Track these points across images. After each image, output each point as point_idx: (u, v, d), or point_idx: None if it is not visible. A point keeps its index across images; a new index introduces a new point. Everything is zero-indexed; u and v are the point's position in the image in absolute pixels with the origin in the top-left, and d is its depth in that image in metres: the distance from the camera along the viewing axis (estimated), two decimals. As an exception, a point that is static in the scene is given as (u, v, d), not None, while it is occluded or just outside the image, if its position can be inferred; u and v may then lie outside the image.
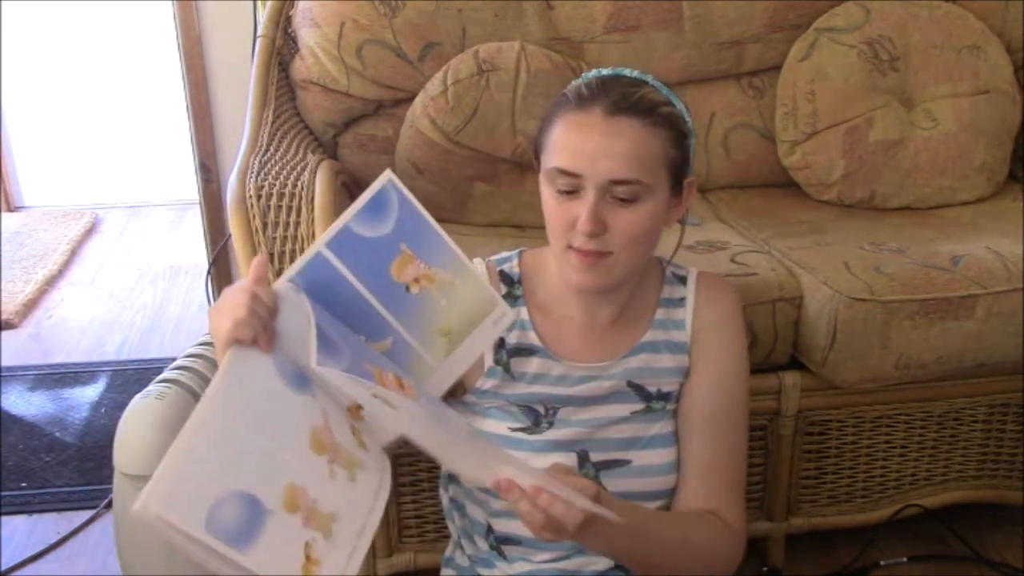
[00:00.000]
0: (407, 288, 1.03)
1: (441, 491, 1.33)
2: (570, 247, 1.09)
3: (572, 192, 1.07)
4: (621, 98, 1.06)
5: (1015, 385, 1.74)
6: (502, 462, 0.95)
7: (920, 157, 1.97)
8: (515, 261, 1.22)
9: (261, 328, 0.87)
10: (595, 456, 1.16)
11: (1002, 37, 2.08)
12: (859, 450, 1.76)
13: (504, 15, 1.94)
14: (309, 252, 0.97)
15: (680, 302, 1.20)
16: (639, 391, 1.18)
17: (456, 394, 1.21)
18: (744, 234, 1.85)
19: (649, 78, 1.10)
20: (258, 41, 1.96)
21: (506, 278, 1.20)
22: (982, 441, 1.81)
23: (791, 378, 1.65)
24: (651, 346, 1.18)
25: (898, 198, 1.98)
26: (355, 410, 0.95)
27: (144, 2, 3.78)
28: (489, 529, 1.22)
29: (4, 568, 1.85)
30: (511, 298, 1.19)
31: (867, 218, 1.92)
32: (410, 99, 1.90)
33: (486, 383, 1.18)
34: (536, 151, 1.14)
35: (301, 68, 1.94)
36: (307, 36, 1.91)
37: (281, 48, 1.97)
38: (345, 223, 0.97)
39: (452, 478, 1.27)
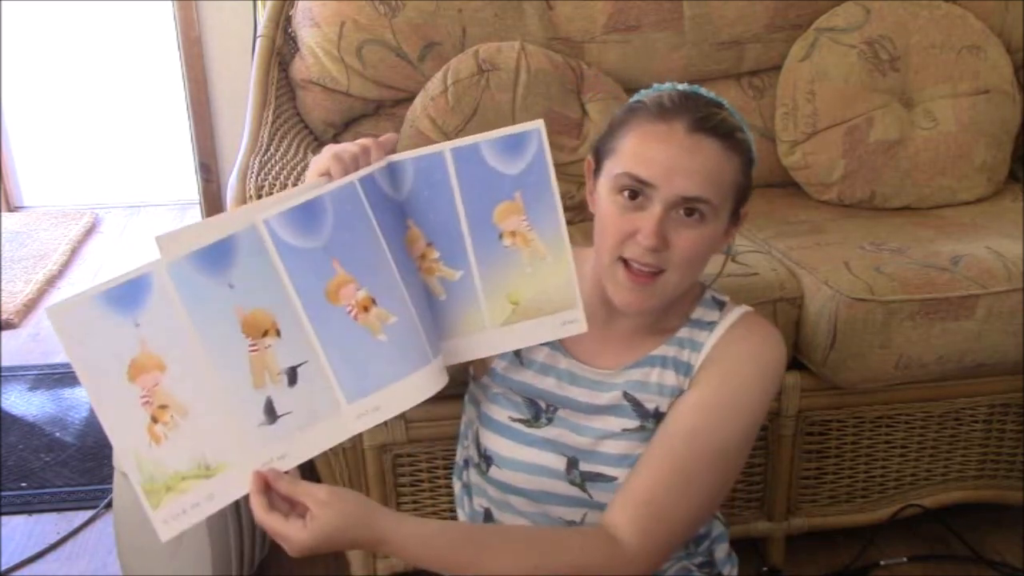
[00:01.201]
0: (500, 235, 1.03)
1: (454, 479, 1.34)
2: (621, 259, 1.07)
3: (638, 201, 1.04)
4: (705, 117, 1.04)
5: (1015, 385, 1.74)
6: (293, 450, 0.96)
7: (920, 157, 1.97)
8: None
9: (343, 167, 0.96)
10: (584, 466, 1.14)
11: (1002, 37, 2.08)
12: (859, 450, 1.76)
13: (504, 15, 1.94)
14: (433, 147, 1.00)
15: (708, 325, 1.15)
16: (637, 408, 1.14)
17: (477, 376, 1.22)
18: (744, 234, 1.85)
19: (724, 101, 1.09)
20: (258, 41, 1.96)
21: None
22: (982, 441, 1.81)
23: (791, 378, 1.65)
24: (659, 360, 1.14)
25: (898, 198, 1.98)
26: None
27: (144, 2, 3.78)
28: (487, 516, 1.24)
29: (4, 568, 1.85)
30: None
31: (867, 218, 1.92)
32: (410, 99, 1.90)
33: (499, 364, 1.18)
34: (598, 156, 1.11)
35: (301, 68, 1.94)
36: (307, 36, 1.91)
37: (281, 48, 1.97)
38: (477, 141, 1.01)
39: (466, 466, 1.27)
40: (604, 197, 1.08)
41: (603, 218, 1.08)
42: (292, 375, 0.95)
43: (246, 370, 0.92)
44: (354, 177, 0.96)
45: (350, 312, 0.97)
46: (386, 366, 0.99)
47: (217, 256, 0.90)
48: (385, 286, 0.98)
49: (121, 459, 0.87)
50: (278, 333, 0.94)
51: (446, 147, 1.00)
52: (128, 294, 0.85)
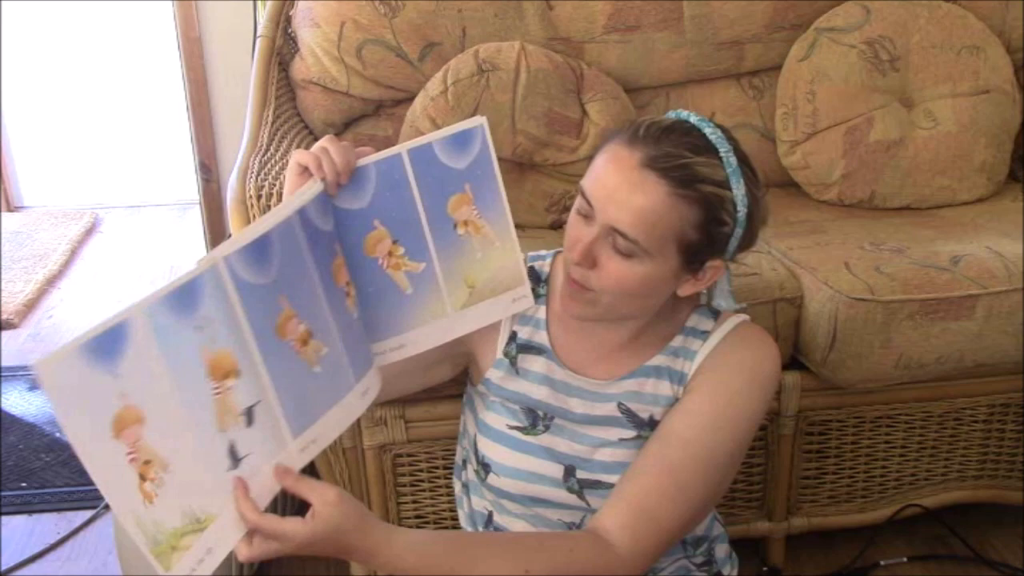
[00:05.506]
0: (455, 225, 1.10)
1: (455, 479, 1.34)
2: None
3: (587, 217, 1.06)
4: (663, 156, 1.01)
5: (1015, 385, 1.74)
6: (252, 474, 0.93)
7: (920, 157, 1.97)
8: (548, 260, 1.22)
9: (322, 170, 1.01)
10: (581, 474, 1.15)
11: (1002, 37, 2.08)
12: (859, 450, 1.76)
13: (504, 15, 1.94)
14: (391, 150, 1.06)
15: (702, 334, 1.14)
16: (632, 418, 1.14)
17: (474, 382, 1.23)
18: (744, 234, 1.85)
19: (723, 149, 1.03)
20: (258, 41, 1.96)
21: (533, 274, 1.20)
22: (982, 441, 1.81)
23: (791, 378, 1.65)
24: (654, 370, 1.14)
25: (898, 198, 1.99)
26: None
27: (144, 2, 3.78)
28: (489, 519, 1.24)
29: (4, 568, 1.85)
30: (533, 295, 1.18)
31: (867, 218, 1.92)
32: (410, 99, 1.90)
33: (494, 374, 1.18)
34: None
35: (301, 68, 1.94)
36: (307, 36, 1.91)
37: (281, 48, 1.97)
38: (430, 140, 1.07)
39: (465, 465, 1.28)
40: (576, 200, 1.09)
41: (568, 220, 1.11)
42: (249, 415, 0.93)
43: (212, 414, 0.90)
44: (291, 210, 0.96)
45: (294, 347, 0.96)
46: (321, 397, 1.00)
47: (186, 297, 0.86)
48: (318, 318, 0.99)
49: (124, 525, 0.84)
50: (238, 374, 0.91)
51: (403, 148, 1.06)
52: (107, 343, 0.81)
